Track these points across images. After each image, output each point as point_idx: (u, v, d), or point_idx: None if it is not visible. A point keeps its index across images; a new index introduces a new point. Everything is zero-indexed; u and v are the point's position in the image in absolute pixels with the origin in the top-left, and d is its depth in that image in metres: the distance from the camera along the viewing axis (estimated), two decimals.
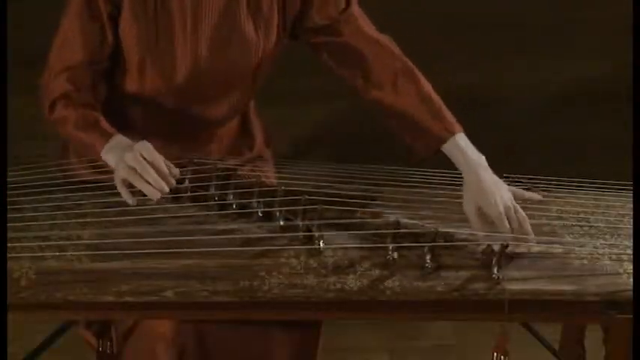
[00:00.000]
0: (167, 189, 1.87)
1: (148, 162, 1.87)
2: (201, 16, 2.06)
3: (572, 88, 4.36)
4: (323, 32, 2.14)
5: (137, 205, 1.92)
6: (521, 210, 1.96)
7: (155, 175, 1.86)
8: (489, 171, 2.00)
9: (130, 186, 1.89)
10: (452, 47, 4.35)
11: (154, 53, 2.06)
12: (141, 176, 1.86)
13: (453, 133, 2.03)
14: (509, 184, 2.02)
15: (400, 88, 2.08)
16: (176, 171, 1.91)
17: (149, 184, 1.86)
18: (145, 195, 1.88)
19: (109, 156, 1.95)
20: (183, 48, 2.06)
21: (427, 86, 2.09)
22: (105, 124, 2.00)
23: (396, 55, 2.12)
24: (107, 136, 1.97)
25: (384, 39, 2.14)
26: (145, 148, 1.89)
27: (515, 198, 1.98)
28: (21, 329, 2.38)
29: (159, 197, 1.87)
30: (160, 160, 1.88)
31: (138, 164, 1.86)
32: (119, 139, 1.96)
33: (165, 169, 1.88)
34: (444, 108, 2.06)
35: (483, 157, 2.02)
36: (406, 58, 2.12)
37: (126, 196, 1.90)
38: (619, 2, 4.10)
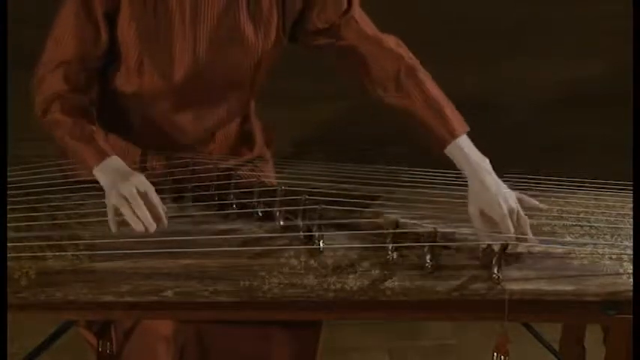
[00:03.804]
0: (154, 228, 1.86)
1: (142, 197, 1.86)
2: (200, 17, 2.05)
3: (571, 89, 4.36)
4: (323, 35, 2.13)
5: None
6: (522, 213, 1.96)
7: (146, 213, 1.85)
8: (492, 174, 1.99)
9: (119, 214, 1.89)
10: (452, 50, 4.35)
11: (153, 52, 2.06)
12: (133, 210, 1.86)
13: (455, 136, 2.01)
14: (508, 185, 2.01)
15: (403, 90, 2.07)
16: (165, 209, 1.90)
17: (139, 218, 1.86)
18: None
19: (101, 175, 1.94)
20: (181, 47, 2.06)
21: (431, 86, 2.07)
22: (101, 140, 1.99)
23: (398, 56, 2.10)
24: (103, 155, 1.96)
25: (387, 40, 2.13)
26: (141, 182, 1.89)
27: (520, 203, 1.97)
28: (21, 329, 2.38)
29: (144, 231, 1.85)
30: (154, 197, 1.88)
31: (132, 197, 1.86)
32: (115, 161, 1.95)
33: (158, 208, 1.87)
34: (448, 109, 2.04)
35: (487, 160, 2.00)
36: (412, 58, 2.11)
37: (111, 223, 1.89)
38: (617, 1, 4.09)
